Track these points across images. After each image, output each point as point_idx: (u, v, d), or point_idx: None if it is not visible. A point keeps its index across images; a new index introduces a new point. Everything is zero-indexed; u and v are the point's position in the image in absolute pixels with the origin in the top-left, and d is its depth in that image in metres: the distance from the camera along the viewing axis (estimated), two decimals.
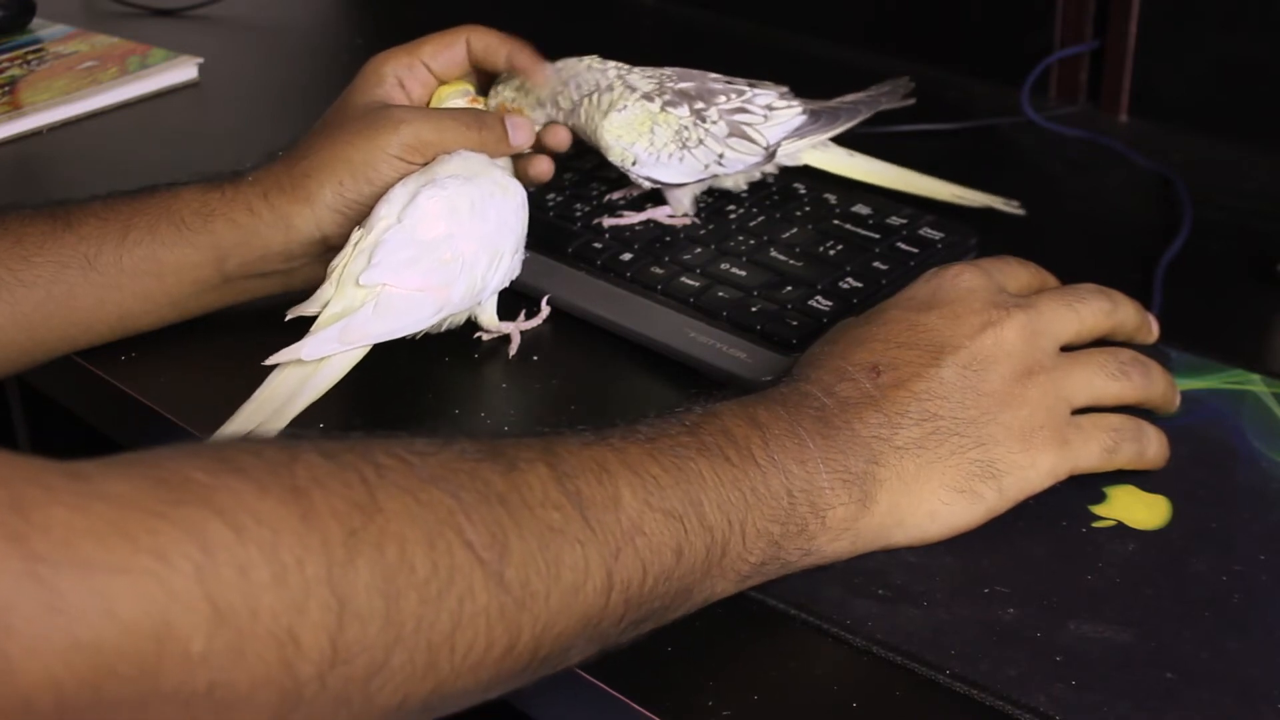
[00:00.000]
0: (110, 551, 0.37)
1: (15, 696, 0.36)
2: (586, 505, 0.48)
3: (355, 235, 0.67)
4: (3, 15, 1.15)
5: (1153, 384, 0.60)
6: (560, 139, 0.76)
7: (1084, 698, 0.49)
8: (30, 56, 1.11)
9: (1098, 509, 0.58)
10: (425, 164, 0.70)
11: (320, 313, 0.65)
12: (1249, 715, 0.49)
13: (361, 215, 0.69)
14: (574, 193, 0.82)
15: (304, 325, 0.65)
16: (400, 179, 0.69)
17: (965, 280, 0.59)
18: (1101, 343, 0.61)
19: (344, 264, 0.66)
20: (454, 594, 0.43)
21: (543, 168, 0.75)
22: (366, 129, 0.69)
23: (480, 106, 0.74)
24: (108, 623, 0.37)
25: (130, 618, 0.37)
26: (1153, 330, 0.64)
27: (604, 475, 0.49)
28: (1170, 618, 0.53)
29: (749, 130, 0.75)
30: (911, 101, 0.81)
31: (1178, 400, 0.62)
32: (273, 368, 0.64)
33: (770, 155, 0.77)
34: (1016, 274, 0.62)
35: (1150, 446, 0.59)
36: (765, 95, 0.77)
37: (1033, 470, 0.57)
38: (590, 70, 0.75)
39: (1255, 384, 0.65)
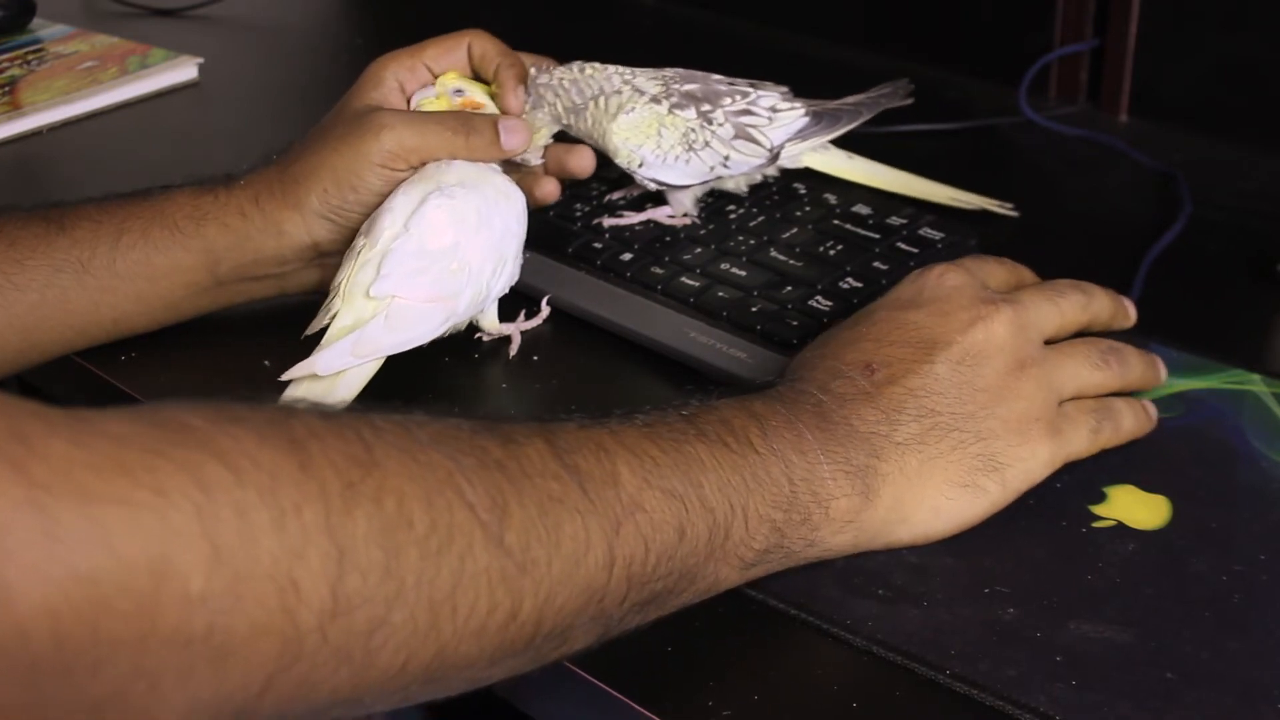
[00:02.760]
0: (109, 483, 0.37)
1: (13, 626, 0.36)
2: (585, 479, 0.48)
3: (358, 244, 0.66)
4: (3, 15, 1.15)
5: (1130, 369, 0.61)
6: (583, 164, 0.76)
7: (1084, 698, 0.49)
8: (30, 56, 1.11)
9: (1098, 509, 0.58)
10: (413, 170, 0.68)
11: (329, 325, 0.64)
12: (1249, 715, 0.49)
13: (351, 222, 0.69)
14: (574, 193, 0.82)
15: (306, 326, 0.65)
16: (389, 187, 0.68)
17: (950, 278, 0.60)
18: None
19: (350, 275, 0.65)
20: (454, 552, 0.43)
21: (549, 189, 0.75)
22: (350, 135, 0.68)
23: (476, 102, 0.73)
24: (105, 554, 0.37)
25: (128, 551, 0.37)
26: (1129, 315, 0.64)
27: (601, 454, 0.49)
28: (1170, 618, 0.53)
29: (754, 132, 0.75)
30: (911, 101, 0.81)
31: (1162, 373, 0.63)
32: (286, 384, 0.63)
33: (774, 157, 0.77)
34: (996, 272, 0.63)
35: (1125, 420, 0.60)
36: (768, 97, 0.77)
37: (1033, 461, 0.57)
38: (591, 77, 0.74)
39: (1255, 384, 0.65)
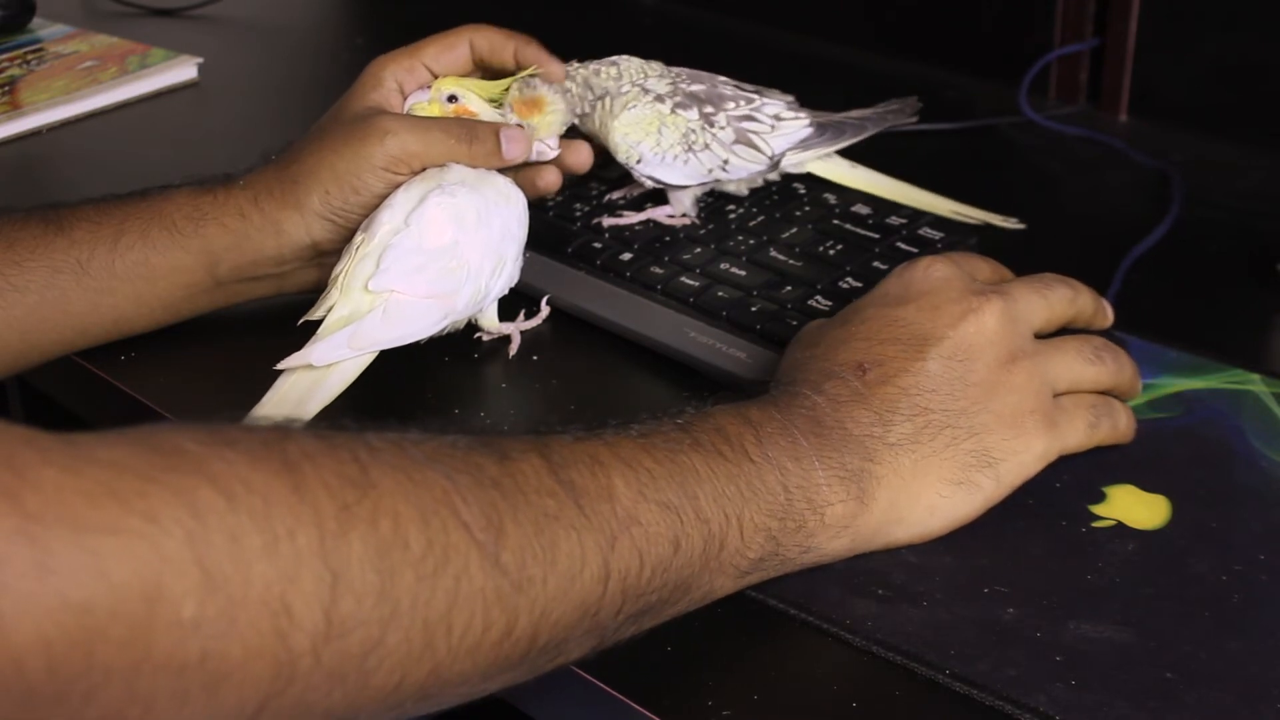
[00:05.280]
0: (101, 511, 0.37)
1: (7, 656, 0.36)
2: (581, 494, 0.48)
3: (356, 240, 0.66)
4: (3, 15, 1.15)
5: (1122, 368, 0.61)
6: (580, 159, 0.75)
7: (1084, 698, 0.49)
8: (30, 56, 1.11)
9: (1097, 509, 0.58)
10: (415, 174, 0.68)
11: (325, 317, 0.65)
12: (1249, 715, 0.49)
13: (351, 223, 0.69)
14: (574, 193, 0.82)
15: (307, 325, 0.65)
16: (390, 190, 0.68)
17: (937, 271, 0.59)
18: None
19: (348, 267, 0.65)
20: (450, 572, 0.43)
21: (550, 179, 0.74)
22: (353, 138, 0.68)
23: (470, 110, 0.73)
24: (98, 582, 0.37)
25: (121, 579, 0.37)
26: (1108, 315, 0.64)
27: (597, 467, 0.49)
28: (1170, 618, 0.53)
29: (755, 139, 0.75)
30: (917, 120, 0.80)
31: (1140, 386, 0.63)
32: (280, 373, 0.64)
33: (775, 164, 0.77)
34: (980, 266, 0.63)
35: (1121, 420, 0.61)
36: (773, 104, 0.77)
37: (1028, 454, 0.57)
38: (601, 75, 0.74)
39: (1255, 384, 0.65)
